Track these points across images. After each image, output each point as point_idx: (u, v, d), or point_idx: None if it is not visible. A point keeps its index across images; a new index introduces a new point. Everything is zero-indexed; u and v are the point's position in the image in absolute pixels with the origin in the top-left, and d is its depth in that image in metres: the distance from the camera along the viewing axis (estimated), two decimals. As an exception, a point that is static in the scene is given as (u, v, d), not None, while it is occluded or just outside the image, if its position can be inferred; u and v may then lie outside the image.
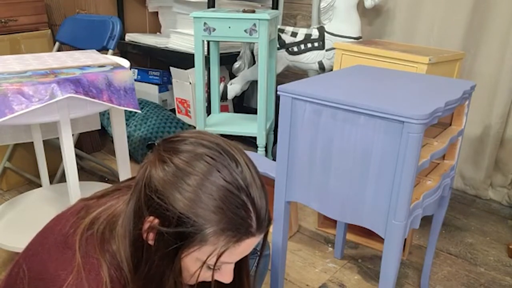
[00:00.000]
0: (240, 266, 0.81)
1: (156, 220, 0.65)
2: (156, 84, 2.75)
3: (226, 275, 0.72)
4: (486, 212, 2.03)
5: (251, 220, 0.65)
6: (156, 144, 0.71)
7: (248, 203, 0.65)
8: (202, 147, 0.67)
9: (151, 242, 0.67)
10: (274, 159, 2.10)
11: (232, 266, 0.72)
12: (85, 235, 0.72)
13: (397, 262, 1.02)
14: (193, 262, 0.67)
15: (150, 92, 2.74)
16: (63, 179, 1.97)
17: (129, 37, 2.69)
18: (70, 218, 0.77)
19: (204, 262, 0.66)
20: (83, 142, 2.40)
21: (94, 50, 1.70)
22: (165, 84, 2.77)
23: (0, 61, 1.43)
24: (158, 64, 2.86)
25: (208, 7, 2.11)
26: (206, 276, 0.70)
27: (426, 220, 1.47)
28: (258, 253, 1.11)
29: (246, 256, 0.81)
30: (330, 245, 1.73)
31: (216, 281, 0.73)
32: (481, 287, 1.52)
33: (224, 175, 0.65)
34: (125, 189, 0.80)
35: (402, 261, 1.63)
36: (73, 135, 1.30)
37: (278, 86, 1.06)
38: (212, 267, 0.68)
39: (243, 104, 2.96)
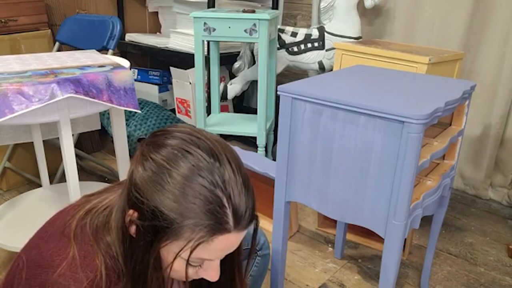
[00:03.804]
0: (232, 266, 0.81)
1: (136, 214, 0.67)
2: (156, 84, 2.75)
3: (210, 272, 0.72)
4: (486, 212, 2.03)
5: (227, 217, 0.65)
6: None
7: (224, 199, 0.65)
8: (182, 142, 0.68)
9: (134, 235, 0.69)
10: (274, 159, 2.10)
11: (216, 263, 0.72)
12: (80, 223, 0.74)
13: (397, 262, 1.02)
14: (168, 255, 0.68)
15: (150, 92, 2.74)
16: (63, 179, 1.97)
17: (129, 37, 2.69)
18: (70, 211, 0.78)
19: (177, 255, 0.66)
20: (83, 142, 2.40)
21: (94, 50, 1.70)
22: (165, 84, 2.77)
23: (0, 61, 1.43)
24: (158, 64, 2.86)
25: (208, 7, 2.12)
26: (190, 273, 0.71)
27: (426, 220, 1.48)
28: (257, 252, 1.12)
29: (237, 256, 0.81)
30: (330, 245, 1.73)
31: (209, 281, 0.74)
32: (481, 287, 1.52)
33: (199, 170, 0.65)
34: (123, 184, 0.81)
35: (402, 261, 1.63)
36: (73, 135, 1.30)
37: (278, 86, 1.06)
38: (191, 263, 0.68)
39: (243, 104, 2.96)
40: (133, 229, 0.68)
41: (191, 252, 0.65)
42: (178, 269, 0.69)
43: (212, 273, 0.72)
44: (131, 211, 0.67)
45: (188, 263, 0.68)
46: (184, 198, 0.64)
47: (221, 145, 0.70)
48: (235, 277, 0.83)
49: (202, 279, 0.74)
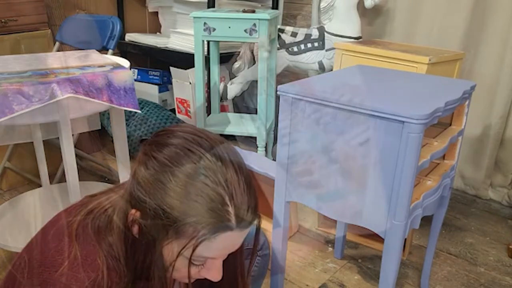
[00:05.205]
0: (234, 266, 0.81)
1: (138, 213, 0.67)
2: (156, 84, 2.75)
3: (212, 272, 0.72)
4: (486, 212, 2.03)
5: (229, 215, 0.65)
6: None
7: (226, 197, 0.65)
8: (185, 141, 0.68)
9: (136, 235, 0.69)
10: (274, 159, 2.09)
11: (219, 263, 0.72)
12: (82, 223, 0.74)
13: (397, 262, 1.02)
14: (170, 254, 0.68)
15: (150, 92, 2.74)
16: (63, 179, 1.97)
17: (129, 37, 2.69)
18: (72, 211, 0.78)
19: (179, 253, 0.66)
20: (83, 142, 2.40)
21: (94, 50, 1.70)
22: (165, 84, 2.77)
23: (0, 61, 1.43)
24: (158, 64, 2.86)
25: (208, 7, 2.12)
26: (192, 273, 0.71)
27: (426, 220, 1.47)
28: (257, 252, 1.12)
29: (239, 256, 0.81)
30: (330, 245, 1.72)
31: (211, 281, 0.73)
32: (481, 287, 1.52)
33: (201, 169, 0.65)
34: (126, 184, 0.81)
35: (402, 261, 1.63)
36: (73, 135, 1.30)
37: (278, 86, 1.06)
38: (194, 262, 0.68)
39: (243, 104, 2.96)
40: (135, 229, 0.69)
41: (193, 250, 0.65)
42: (180, 269, 0.69)
43: (215, 273, 0.72)
44: (133, 211, 0.68)
45: (190, 262, 0.68)
46: (186, 197, 0.64)
47: (223, 144, 0.70)
48: (237, 277, 0.83)
49: (204, 279, 0.74)
